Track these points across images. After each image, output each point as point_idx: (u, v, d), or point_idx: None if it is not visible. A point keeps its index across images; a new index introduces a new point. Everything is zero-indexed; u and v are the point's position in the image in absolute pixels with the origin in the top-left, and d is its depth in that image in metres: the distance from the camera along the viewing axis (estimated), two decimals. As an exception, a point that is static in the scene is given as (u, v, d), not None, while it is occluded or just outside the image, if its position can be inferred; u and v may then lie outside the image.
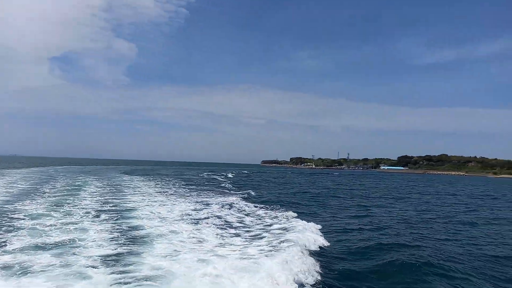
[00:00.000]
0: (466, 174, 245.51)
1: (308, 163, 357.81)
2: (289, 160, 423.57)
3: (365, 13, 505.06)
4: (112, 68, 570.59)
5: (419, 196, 49.37)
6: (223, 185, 53.78)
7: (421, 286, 11.91)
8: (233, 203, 28.76)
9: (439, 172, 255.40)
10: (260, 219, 22.39)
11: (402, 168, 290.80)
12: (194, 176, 79.83)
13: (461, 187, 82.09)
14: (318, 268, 12.55)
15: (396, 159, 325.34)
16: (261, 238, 16.87)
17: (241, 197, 34.56)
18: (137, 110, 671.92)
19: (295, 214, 23.58)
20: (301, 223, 20.11)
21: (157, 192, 36.68)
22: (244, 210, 25.92)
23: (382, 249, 16.25)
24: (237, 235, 17.54)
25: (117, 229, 17.31)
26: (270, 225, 20.26)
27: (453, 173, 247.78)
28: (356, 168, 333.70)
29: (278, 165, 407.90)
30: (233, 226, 19.90)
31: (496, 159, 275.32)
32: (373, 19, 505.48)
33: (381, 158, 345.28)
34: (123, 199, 29.47)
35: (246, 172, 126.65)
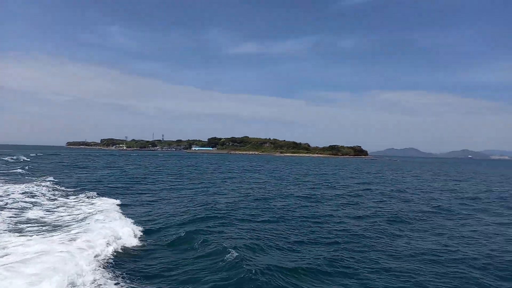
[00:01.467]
0: (261, 153, 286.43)
1: (120, 145, 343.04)
2: (99, 142, 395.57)
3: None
4: None
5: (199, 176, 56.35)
6: (13, 170, 47.28)
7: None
8: (27, 191, 26.37)
9: (241, 152, 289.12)
10: (52, 210, 20.78)
11: (211, 148, 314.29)
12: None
13: (257, 164, 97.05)
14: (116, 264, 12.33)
15: (206, 140, 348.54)
16: (52, 231, 15.72)
17: (36, 185, 31.04)
18: None
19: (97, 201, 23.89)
20: (102, 209, 20.17)
21: None
22: (37, 197, 24.39)
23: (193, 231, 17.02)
24: (18, 230, 15.73)
25: None
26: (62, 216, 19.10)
27: (251, 152, 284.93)
28: (170, 149, 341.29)
29: (86, 146, 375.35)
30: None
31: (284, 140, 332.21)
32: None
33: (194, 140, 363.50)
34: None
35: (41, 154, 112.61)
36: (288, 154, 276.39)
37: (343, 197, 32.11)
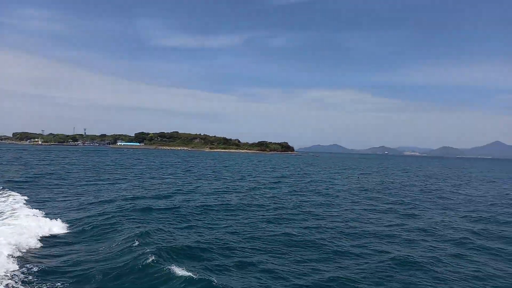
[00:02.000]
0: (191, 149, 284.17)
1: (35, 139, 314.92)
2: (11, 135, 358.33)
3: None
4: None
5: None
6: None
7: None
8: None
9: (170, 148, 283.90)
10: None
11: (138, 144, 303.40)
12: None
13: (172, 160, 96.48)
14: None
15: (133, 135, 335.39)
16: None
17: None
18: None
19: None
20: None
21: None
22: None
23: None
24: None
25: None
26: None
27: (180, 148, 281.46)
28: (93, 144, 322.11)
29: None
30: None
31: (215, 136, 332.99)
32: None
33: (120, 134, 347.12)
34: None
35: None
36: (218, 150, 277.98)
37: (254, 189, 34.78)
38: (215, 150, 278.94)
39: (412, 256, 14.81)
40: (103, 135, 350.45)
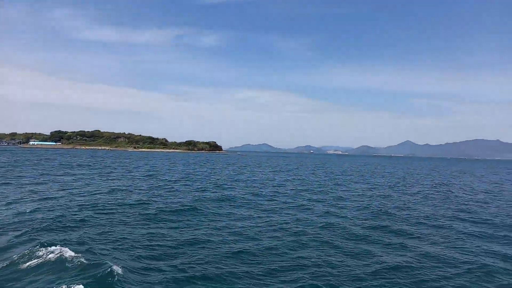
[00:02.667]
0: (114, 148, 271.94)
1: None
2: None
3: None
4: None
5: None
6: None
7: None
8: None
9: (90, 147, 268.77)
10: None
11: (54, 143, 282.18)
12: None
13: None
14: None
15: (49, 134, 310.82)
16: None
17: None
18: None
19: None
20: None
21: None
22: None
23: None
24: None
25: None
26: None
27: (102, 148, 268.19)
28: (1, 144, 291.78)
29: None
30: None
31: (140, 135, 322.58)
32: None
33: (33, 133, 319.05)
34: None
35: None
36: (143, 150, 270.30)
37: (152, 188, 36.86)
38: (140, 149, 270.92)
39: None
40: (13, 134, 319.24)
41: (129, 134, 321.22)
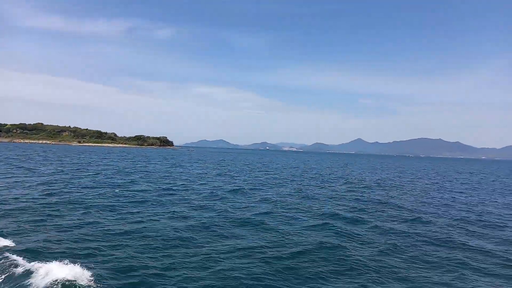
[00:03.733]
0: (58, 143, 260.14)
1: None
2: None
3: None
4: None
5: None
6: None
7: None
8: None
9: (31, 141, 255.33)
10: None
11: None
12: None
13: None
14: None
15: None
16: None
17: None
18: None
19: None
20: None
21: None
22: None
23: None
24: None
25: None
26: None
27: (44, 142, 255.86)
28: None
29: None
30: None
31: (87, 129, 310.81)
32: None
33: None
34: None
35: None
36: (89, 144, 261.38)
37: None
38: (86, 144, 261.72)
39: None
40: None
41: (74, 127, 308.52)
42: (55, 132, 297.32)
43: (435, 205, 31.96)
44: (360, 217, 24.34)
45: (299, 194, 35.69)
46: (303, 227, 21.03)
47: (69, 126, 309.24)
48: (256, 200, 30.19)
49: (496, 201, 37.14)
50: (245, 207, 26.79)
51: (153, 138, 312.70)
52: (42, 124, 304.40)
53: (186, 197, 29.83)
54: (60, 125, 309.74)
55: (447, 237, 20.03)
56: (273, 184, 43.96)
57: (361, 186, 47.24)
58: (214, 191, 34.79)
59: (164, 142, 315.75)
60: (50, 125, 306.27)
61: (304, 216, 24.12)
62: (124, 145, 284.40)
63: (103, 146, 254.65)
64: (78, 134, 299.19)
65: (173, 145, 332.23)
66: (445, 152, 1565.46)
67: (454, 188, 49.86)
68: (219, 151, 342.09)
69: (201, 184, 41.01)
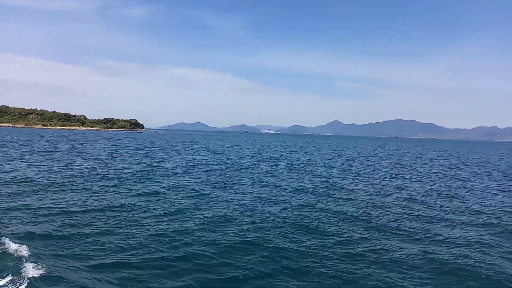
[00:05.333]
0: (24, 126, 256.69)
1: None
2: None
3: None
4: None
5: None
6: None
7: None
8: None
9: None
10: None
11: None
12: None
13: None
14: None
15: None
16: None
17: None
18: None
19: None
20: None
21: None
22: None
23: None
24: None
25: None
26: None
27: (9, 125, 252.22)
28: None
29: None
30: None
31: (55, 112, 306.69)
32: None
33: None
34: None
35: None
36: (56, 127, 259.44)
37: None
38: (53, 127, 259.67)
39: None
40: None
41: (41, 110, 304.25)
42: (21, 115, 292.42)
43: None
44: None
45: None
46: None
47: (36, 109, 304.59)
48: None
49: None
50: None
51: (123, 120, 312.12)
52: (7, 106, 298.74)
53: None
54: (27, 108, 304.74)
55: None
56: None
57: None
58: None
59: (134, 125, 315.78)
60: (16, 107, 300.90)
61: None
62: (92, 128, 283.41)
63: (70, 129, 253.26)
64: (46, 117, 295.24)
65: (143, 128, 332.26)
66: (420, 133, 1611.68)
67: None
68: (195, 134, 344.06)
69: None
